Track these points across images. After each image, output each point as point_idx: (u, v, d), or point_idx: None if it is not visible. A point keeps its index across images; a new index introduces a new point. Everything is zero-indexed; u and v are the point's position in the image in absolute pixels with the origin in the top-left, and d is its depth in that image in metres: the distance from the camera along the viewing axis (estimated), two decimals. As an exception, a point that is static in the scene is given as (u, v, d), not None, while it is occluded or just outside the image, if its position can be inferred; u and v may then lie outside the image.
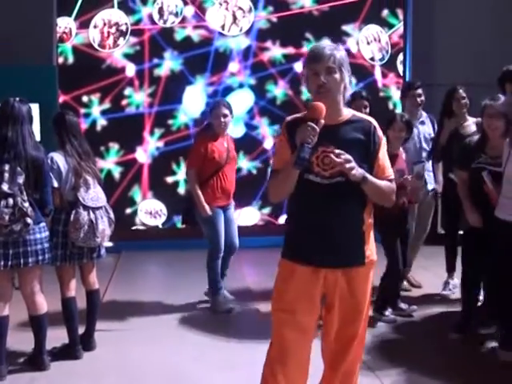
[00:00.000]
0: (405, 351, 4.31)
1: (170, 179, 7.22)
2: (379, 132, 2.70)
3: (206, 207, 4.94)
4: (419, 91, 5.44)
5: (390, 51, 7.49)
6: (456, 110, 5.28)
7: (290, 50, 7.27)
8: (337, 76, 2.58)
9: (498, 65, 5.39)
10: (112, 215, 4.12)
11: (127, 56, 7.02)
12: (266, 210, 7.47)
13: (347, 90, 2.66)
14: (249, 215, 7.45)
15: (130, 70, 7.04)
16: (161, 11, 7.08)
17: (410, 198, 4.72)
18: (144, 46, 7.04)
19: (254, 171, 7.37)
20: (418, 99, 5.43)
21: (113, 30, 6.98)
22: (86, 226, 3.90)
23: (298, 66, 7.29)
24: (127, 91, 7.05)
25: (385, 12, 7.41)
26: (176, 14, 7.10)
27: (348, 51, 7.21)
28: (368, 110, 5.06)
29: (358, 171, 2.54)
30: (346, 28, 7.34)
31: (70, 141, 4.00)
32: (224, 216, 5.08)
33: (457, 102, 5.26)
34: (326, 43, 2.63)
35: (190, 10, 7.10)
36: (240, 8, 7.20)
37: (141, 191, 7.18)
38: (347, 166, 2.50)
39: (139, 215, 7.21)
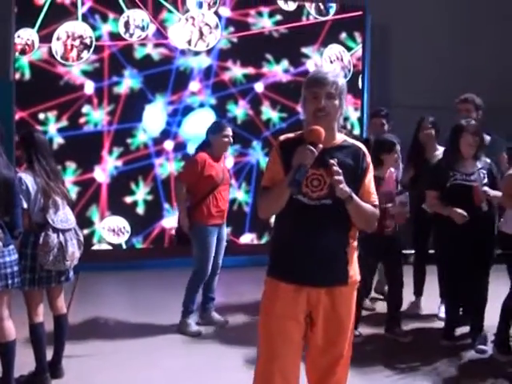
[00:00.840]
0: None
1: (128, 199, 7.07)
2: (368, 158, 2.77)
3: (187, 222, 4.93)
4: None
5: (351, 70, 7.57)
6: (423, 139, 5.36)
7: (251, 70, 7.26)
8: (336, 102, 2.65)
9: (460, 87, 5.56)
10: (81, 237, 4.02)
11: (86, 73, 6.86)
12: (228, 229, 7.32)
13: (342, 117, 2.73)
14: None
15: (89, 87, 6.87)
16: (127, 25, 6.95)
17: (397, 221, 4.79)
18: (103, 63, 6.90)
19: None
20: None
21: (76, 42, 6.81)
22: (56, 248, 3.79)
23: (259, 86, 7.29)
24: (85, 109, 6.87)
25: (343, 35, 7.50)
26: (142, 28, 6.99)
27: (307, 72, 7.27)
28: (386, 127, 5.30)
29: (346, 187, 2.58)
30: (305, 50, 7.39)
31: (38, 160, 3.86)
32: (217, 234, 5.06)
33: (423, 132, 5.35)
34: (329, 68, 2.77)
35: (152, 28, 7.00)
36: (207, 24, 7.15)
37: (99, 211, 7.00)
38: (337, 177, 2.55)
39: (102, 233, 7.02)
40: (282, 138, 2.79)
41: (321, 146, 2.55)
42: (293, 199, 2.64)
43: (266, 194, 2.71)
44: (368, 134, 5.84)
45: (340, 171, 2.56)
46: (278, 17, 7.32)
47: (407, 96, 7.49)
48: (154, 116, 7.07)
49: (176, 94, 7.10)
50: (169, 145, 7.13)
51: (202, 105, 7.19)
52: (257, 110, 7.33)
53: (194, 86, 7.16)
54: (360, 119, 7.68)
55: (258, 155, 7.43)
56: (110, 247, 7.08)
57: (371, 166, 2.80)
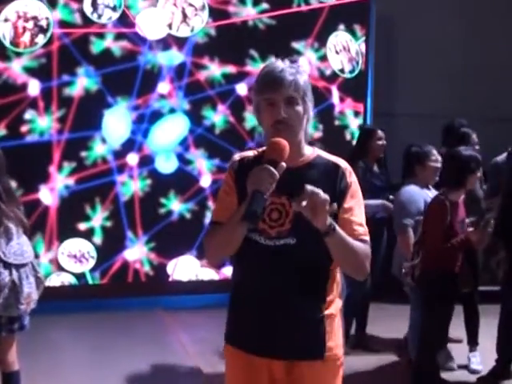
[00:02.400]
0: None
1: (83, 226, 5.99)
2: (349, 178, 2.22)
3: None
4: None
5: (360, 63, 6.62)
6: None
7: (232, 69, 6.25)
8: (299, 108, 2.17)
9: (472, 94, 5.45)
10: (41, 274, 3.67)
11: (30, 70, 5.75)
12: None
13: (310, 124, 2.25)
14: (186, 267, 6.30)
15: (34, 87, 5.77)
16: (94, 4, 5.86)
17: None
18: (52, 58, 5.80)
19: (188, 215, 6.23)
20: None
21: (30, 24, 5.69)
22: (7, 289, 3.44)
23: (241, 88, 6.28)
24: (29, 114, 5.78)
25: (341, 27, 6.54)
26: (114, 8, 5.92)
27: None
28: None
29: (326, 214, 1.98)
30: (297, 45, 6.40)
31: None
32: None
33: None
34: (284, 64, 2.18)
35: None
36: (191, 4, 6.11)
37: (45, 241, 5.88)
38: (319, 198, 1.94)
39: (60, 260, 5.94)
40: (237, 156, 2.32)
41: (283, 164, 2.05)
42: (246, 239, 2.17)
43: (215, 231, 2.24)
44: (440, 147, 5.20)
45: (317, 191, 1.96)
46: (265, 5, 6.30)
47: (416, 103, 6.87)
48: (115, 123, 6.02)
49: (142, 96, 6.05)
50: (133, 159, 6.07)
51: (172, 110, 6.16)
52: (239, 117, 6.32)
53: (164, 87, 6.11)
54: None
55: (240, 171, 6.30)
56: (60, 283, 6.00)
57: (355, 187, 2.23)
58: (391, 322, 5.55)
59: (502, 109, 6.99)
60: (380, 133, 5.18)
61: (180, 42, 6.09)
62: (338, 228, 2.07)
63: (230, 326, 2.36)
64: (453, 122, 5.49)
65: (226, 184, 2.30)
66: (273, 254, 2.18)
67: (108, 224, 6.06)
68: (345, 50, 6.58)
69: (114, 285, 6.12)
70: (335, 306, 2.27)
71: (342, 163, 2.27)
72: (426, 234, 3.98)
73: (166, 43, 6.05)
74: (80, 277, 6.05)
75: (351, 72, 6.66)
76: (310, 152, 2.26)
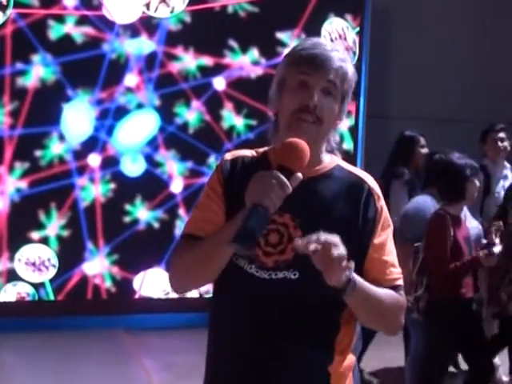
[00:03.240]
0: None
1: (36, 235, 5.43)
2: (378, 201, 1.76)
3: None
4: (501, 135, 4.96)
5: (356, 53, 6.16)
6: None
7: (208, 61, 5.72)
8: (336, 104, 1.72)
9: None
10: None
11: None
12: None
13: (337, 130, 1.80)
14: (154, 282, 5.78)
15: None
16: None
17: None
18: (4, 44, 5.24)
19: (156, 224, 5.69)
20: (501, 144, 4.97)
21: None
22: None
23: (219, 83, 5.75)
24: None
25: (331, 17, 6.01)
26: None
27: None
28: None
29: (345, 269, 1.53)
30: (282, 36, 5.87)
31: None
32: None
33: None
34: (333, 45, 1.76)
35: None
36: None
37: None
38: (335, 253, 1.50)
39: (17, 268, 5.42)
40: (228, 156, 1.84)
41: (300, 175, 1.58)
42: (233, 267, 1.69)
43: (190, 248, 1.72)
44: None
45: (334, 241, 1.51)
46: None
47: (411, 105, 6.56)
48: (76, 119, 5.47)
49: (106, 89, 5.50)
50: (94, 160, 5.51)
51: (140, 105, 5.62)
52: (216, 115, 5.79)
53: (131, 79, 5.55)
54: (353, 129, 6.18)
55: (216, 175, 5.74)
56: (16, 294, 5.48)
57: (385, 215, 1.77)
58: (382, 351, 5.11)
59: (504, 113, 6.65)
60: (422, 140, 5.01)
61: (151, 29, 5.52)
62: (360, 282, 1.63)
63: (208, 375, 1.88)
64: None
65: (210, 188, 1.81)
66: (267, 290, 1.71)
67: (65, 233, 5.53)
68: (341, 38, 6.11)
69: (70, 302, 5.59)
70: (346, 364, 1.79)
71: (369, 179, 1.81)
72: (429, 256, 3.64)
73: (134, 29, 5.49)
74: (39, 287, 5.53)
75: (358, 54, 6.22)
76: (329, 160, 1.81)
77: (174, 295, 5.75)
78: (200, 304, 5.79)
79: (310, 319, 1.73)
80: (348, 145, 6.18)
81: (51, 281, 5.53)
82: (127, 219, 5.60)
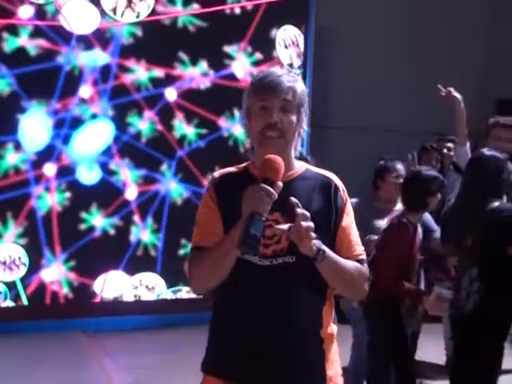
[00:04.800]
0: None
1: None
2: (343, 194, 2.15)
3: None
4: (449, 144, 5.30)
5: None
6: None
7: (160, 73, 5.82)
8: (293, 117, 2.06)
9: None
10: None
11: None
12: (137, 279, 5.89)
13: (300, 138, 2.14)
14: (113, 286, 5.83)
15: None
16: None
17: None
18: None
19: (112, 231, 5.75)
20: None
21: None
22: None
23: (170, 93, 5.86)
24: None
25: (274, 32, 6.21)
26: None
27: (232, 76, 6.05)
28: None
29: (313, 239, 1.91)
30: (229, 49, 6.05)
31: None
32: None
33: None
34: (283, 71, 2.12)
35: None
36: None
37: None
38: (304, 224, 1.88)
39: None
40: (216, 174, 2.19)
41: (280, 184, 1.93)
42: (239, 260, 1.99)
43: (202, 258, 2.06)
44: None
45: (307, 214, 1.91)
46: (195, 5, 5.90)
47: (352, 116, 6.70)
48: (32, 129, 5.45)
49: (62, 100, 5.52)
50: (50, 169, 5.52)
51: (94, 115, 5.64)
52: (168, 124, 5.89)
53: (86, 90, 5.59)
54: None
55: (169, 182, 5.89)
56: None
57: (349, 204, 2.15)
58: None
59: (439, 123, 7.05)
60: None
61: (104, 41, 5.60)
62: (328, 252, 1.98)
63: (215, 356, 2.16)
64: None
65: (205, 206, 2.15)
66: (270, 273, 2.03)
67: (21, 241, 5.47)
68: (293, 44, 6.34)
69: (28, 307, 5.55)
70: (331, 331, 2.14)
71: (334, 177, 2.17)
72: (381, 259, 3.71)
73: (88, 42, 5.55)
74: (11, 287, 5.48)
75: (300, 67, 6.42)
76: (299, 165, 2.15)
77: (129, 298, 5.88)
78: (156, 307, 5.93)
79: (305, 294, 2.05)
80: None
81: (23, 278, 5.48)
82: (83, 226, 5.63)
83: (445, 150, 5.40)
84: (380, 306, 3.67)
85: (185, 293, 6.01)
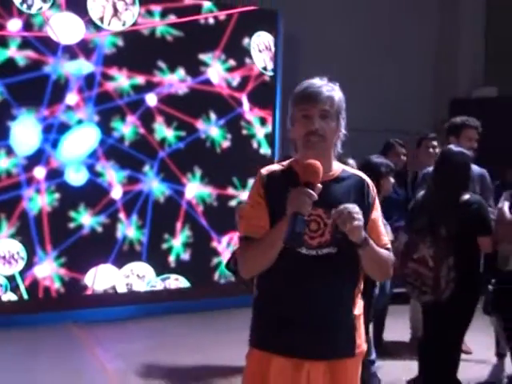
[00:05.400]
0: None
1: None
2: (373, 190, 2.40)
3: None
4: (434, 143, 5.35)
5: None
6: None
7: (140, 80, 6.13)
8: (332, 123, 2.28)
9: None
10: None
11: None
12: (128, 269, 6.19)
13: (339, 142, 2.35)
14: (104, 278, 6.12)
15: None
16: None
17: None
18: None
19: (99, 228, 6.03)
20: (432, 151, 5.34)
21: None
22: None
23: (151, 99, 6.18)
24: None
25: (246, 41, 6.61)
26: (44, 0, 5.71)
27: (208, 81, 6.37)
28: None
29: (362, 229, 2.16)
30: (204, 57, 6.40)
31: None
32: None
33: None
34: (323, 81, 2.31)
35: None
36: None
37: None
38: (356, 223, 2.11)
39: None
40: (264, 171, 2.36)
41: (320, 186, 2.15)
42: (286, 250, 2.19)
43: (251, 247, 2.27)
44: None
45: (358, 211, 2.14)
46: (172, 16, 6.24)
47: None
48: (23, 134, 5.70)
49: (50, 107, 5.78)
50: (40, 172, 5.78)
51: (80, 121, 5.91)
52: (149, 127, 6.19)
53: (72, 98, 5.87)
54: (270, 136, 6.75)
55: (152, 182, 6.22)
56: None
57: (377, 200, 2.41)
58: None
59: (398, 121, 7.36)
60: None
61: (88, 52, 5.89)
62: (370, 240, 2.22)
63: (265, 332, 2.36)
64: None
65: (254, 200, 2.33)
66: (316, 262, 2.26)
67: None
68: (267, 49, 6.72)
69: (24, 302, 5.76)
70: (360, 308, 2.40)
71: (365, 177, 2.41)
72: None
73: (73, 52, 5.84)
74: (11, 280, 5.71)
75: (273, 70, 6.78)
76: (337, 166, 2.37)
77: (121, 288, 6.11)
78: (144, 297, 6.21)
79: (344, 279, 2.31)
80: (265, 150, 6.73)
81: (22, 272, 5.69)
82: (72, 225, 5.87)
83: (430, 150, 5.45)
84: None
85: (173, 280, 6.33)
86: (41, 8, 5.70)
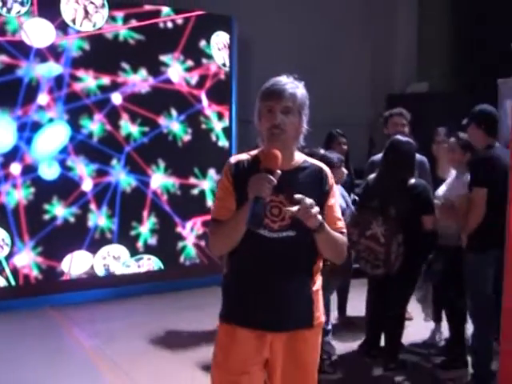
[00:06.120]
0: None
1: None
2: (330, 179, 2.55)
3: None
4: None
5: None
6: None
7: (106, 80, 6.50)
8: (294, 118, 2.42)
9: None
10: None
11: None
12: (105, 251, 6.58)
13: (301, 135, 2.49)
14: (79, 263, 6.48)
15: None
16: None
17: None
18: None
19: (72, 219, 6.40)
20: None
21: None
22: None
23: (116, 98, 6.57)
24: None
25: (202, 43, 7.03)
26: (22, 3, 5.99)
27: (169, 80, 6.78)
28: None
29: (318, 215, 2.32)
30: (164, 58, 6.80)
31: None
32: None
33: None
34: (287, 79, 2.44)
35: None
36: (92, 2, 6.35)
37: None
38: (312, 211, 2.27)
39: None
40: (232, 160, 2.52)
41: (279, 172, 2.29)
42: (250, 233, 2.36)
43: (219, 228, 2.44)
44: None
45: (312, 202, 2.29)
46: (133, 21, 6.62)
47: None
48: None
49: (23, 107, 6.08)
50: (16, 168, 6.10)
51: (51, 119, 6.23)
52: (115, 124, 6.57)
53: (43, 98, 6.19)
54: (227, 130, 7.21)
55: (119, 174, 6.65)
56: None
57: (334, 188, 2.57)
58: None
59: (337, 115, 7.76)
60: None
61: (57, 55, 6.18)
62: (325, 225, 2.39)
63: (231, 307, 2.53)
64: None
65: (223, 186, 2.49)
66: (276, 243, 2.41)
67: None
68: (225, 47, 7.15)
69: (5, 289, 6.07)
70: (318, 284, 2.58)
71: (324, 167, 2.58)
72: None
73: (44, 55, 6.12)
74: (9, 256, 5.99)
75: (229, 69, 7.18)
76: (299, 157, 2.54)
77: (99, 270, 6.44)
78: (114, 280, 6.60)
79: (302, 259, 2.48)
80: (223, 142, 7.19)
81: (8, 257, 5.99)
82: (47, 217, 6.20)
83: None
84: None
85: (146, 260, 6.77)
86: (19, 12, 5.98)
